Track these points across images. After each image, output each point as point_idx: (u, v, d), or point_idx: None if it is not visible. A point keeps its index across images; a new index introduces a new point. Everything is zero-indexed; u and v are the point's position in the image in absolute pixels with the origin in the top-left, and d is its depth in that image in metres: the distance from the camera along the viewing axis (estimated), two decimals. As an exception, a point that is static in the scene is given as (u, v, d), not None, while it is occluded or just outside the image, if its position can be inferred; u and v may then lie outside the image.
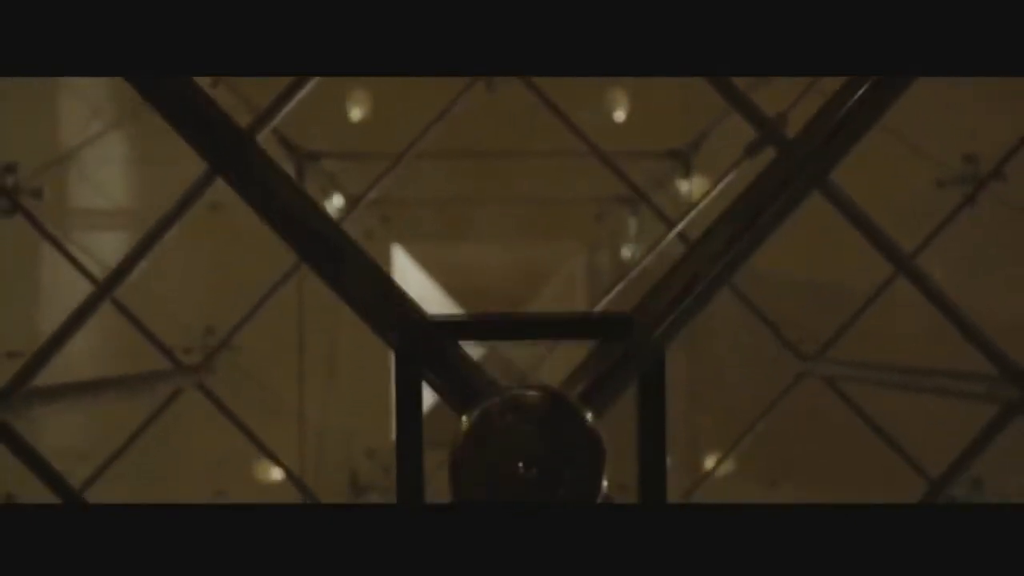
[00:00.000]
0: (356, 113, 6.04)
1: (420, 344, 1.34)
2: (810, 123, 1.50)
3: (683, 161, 5.17)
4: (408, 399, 1.34)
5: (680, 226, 3.79)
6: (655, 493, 1.32)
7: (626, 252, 6.33)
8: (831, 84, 1.78)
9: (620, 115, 6.05)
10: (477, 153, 5.93)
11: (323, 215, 1.35)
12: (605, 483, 1.35)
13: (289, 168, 5.84)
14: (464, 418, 1.34)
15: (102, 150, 6.57)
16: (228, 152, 1.32)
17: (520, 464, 1.33)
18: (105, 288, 2.49)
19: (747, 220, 1.35)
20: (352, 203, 5.51)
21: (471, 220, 7.02)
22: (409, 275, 7.22)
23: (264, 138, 5.83)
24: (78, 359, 3.39)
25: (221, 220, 6.96)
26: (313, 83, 2.31)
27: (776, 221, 1.35)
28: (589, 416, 1.33)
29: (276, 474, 4.98)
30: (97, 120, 6.94)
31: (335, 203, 6.48)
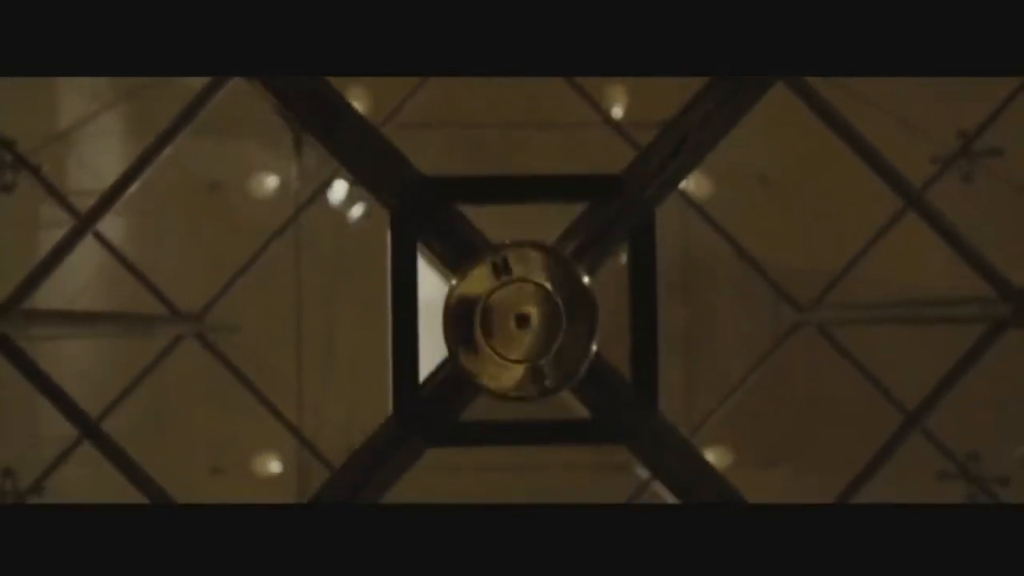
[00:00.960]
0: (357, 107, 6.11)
1: (417, 203, 1.37)
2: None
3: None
4: (404, 260, 1.37)
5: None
6: (647, 352, 1.35)
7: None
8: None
9: (618, 112, 6.13)
10: (476, 125, 5.97)
11: (323, 81, 1.38)
12: (595, 347, 1.38)
13: (287, 138, 5.88)
14: (455, 279, 1.36)
15: (98, 126, 6.62)
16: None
17: (511, 320, 1.35)
18: (91, 216, 2.52)
19: (728, 93, 1.39)
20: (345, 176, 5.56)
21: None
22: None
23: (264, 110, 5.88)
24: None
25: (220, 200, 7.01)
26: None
27: (756, 94, 1.39)
28: (583, 274, 1.36)
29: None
30: (95, 100, 6.99)
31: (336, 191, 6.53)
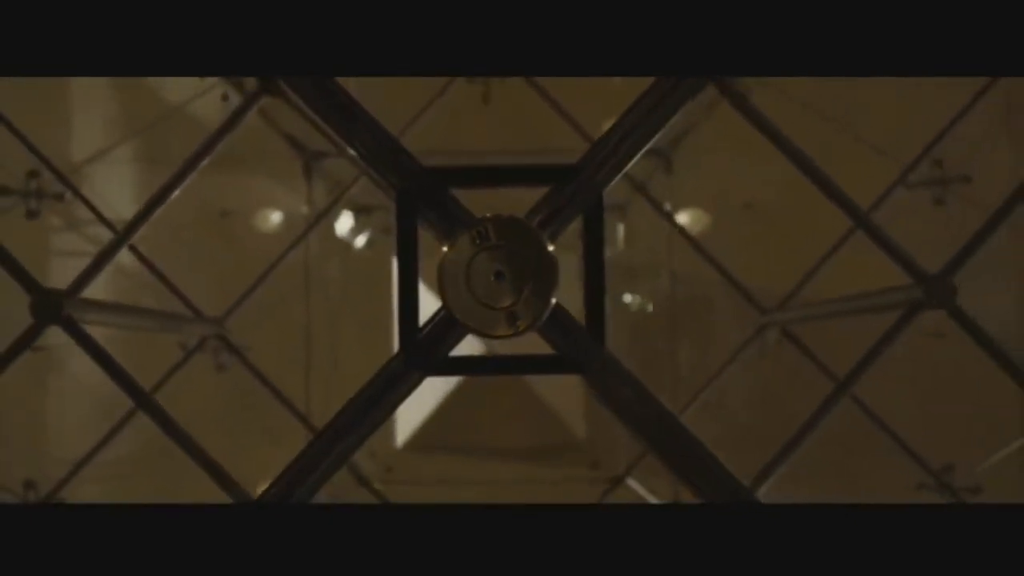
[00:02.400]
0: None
1: (417, 187, 1.76)
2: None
3: (664, 158, 5.63)
4: (407, 230, 1.76)
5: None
6: (596, 302, 1.73)
7: (616, 249, 6.76)
8: None
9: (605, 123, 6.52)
10: (472, 154, 6.37)
11: (338, 85, 1.78)
12: (554, 300, 1.77)
13: (297, 166, 6.27)
14: (446, 245, 1.76)
15: (111, 158, 7.01)
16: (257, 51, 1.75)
17: (491, 276, 1.75)
18: (128, 229, 2.88)
19: (670, 87, 1.78)
20: (353, 208, 5.98)
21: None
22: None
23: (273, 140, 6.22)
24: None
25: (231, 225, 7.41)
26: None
27: (698, 85, 1.78)
28: (547, 241, 1.76)
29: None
30: (111, 128, 7.40)
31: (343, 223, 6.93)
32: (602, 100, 6.85)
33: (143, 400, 2.47)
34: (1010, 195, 2.71)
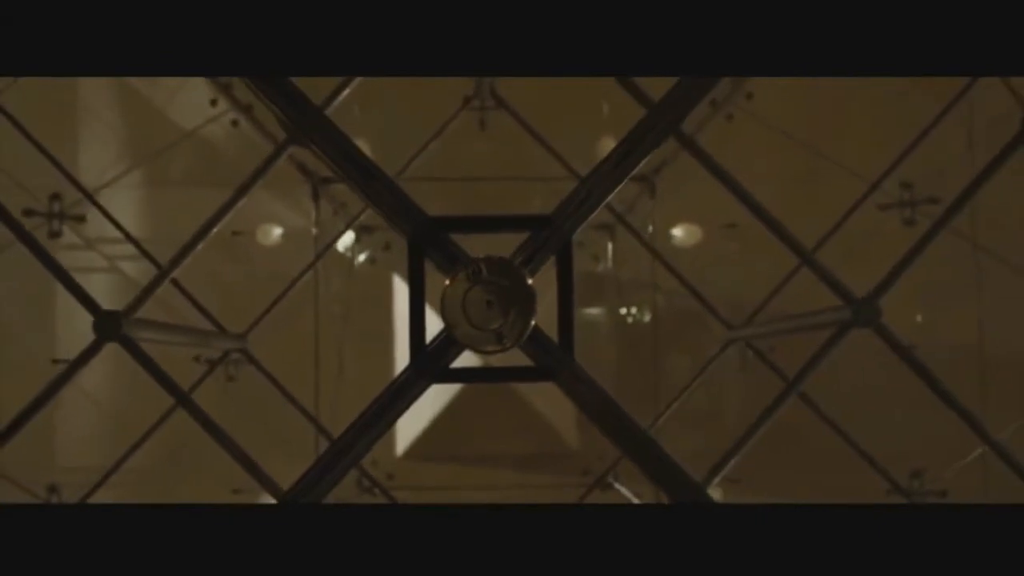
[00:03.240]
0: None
1: (423, 233, 2.25)
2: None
3: (649, 184, 6.11)
4: (416, 272, 2.24)
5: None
6: (567, 324, 2.21)
7: (604, 269, 7.22)
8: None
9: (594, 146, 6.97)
10: (470, 180, 6.85)
11: (361, 154, 2.26)
12: (534, 321, 2.25)
13: (305, 190, 6.72)
14: (448, 280, 2.24)
15: (130, 179, 7.47)
16: (307, 119, 2.23)
17: (483, 304, 2.23)
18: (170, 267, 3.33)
19: (622, 155, 2.26)
20: (349, 220, 6.45)
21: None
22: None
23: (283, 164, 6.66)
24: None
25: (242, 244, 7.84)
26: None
27: (644, 154, 2.26)
28: (527, 276, 2.24)
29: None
30: (126, 153, 7.85)
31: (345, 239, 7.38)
32: (591, 125, 7.33)
33: (187, 402, 2.94)
34: (930, 227, 3.19)
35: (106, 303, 3.54)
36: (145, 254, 4.63)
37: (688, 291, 4.74)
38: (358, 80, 3.11)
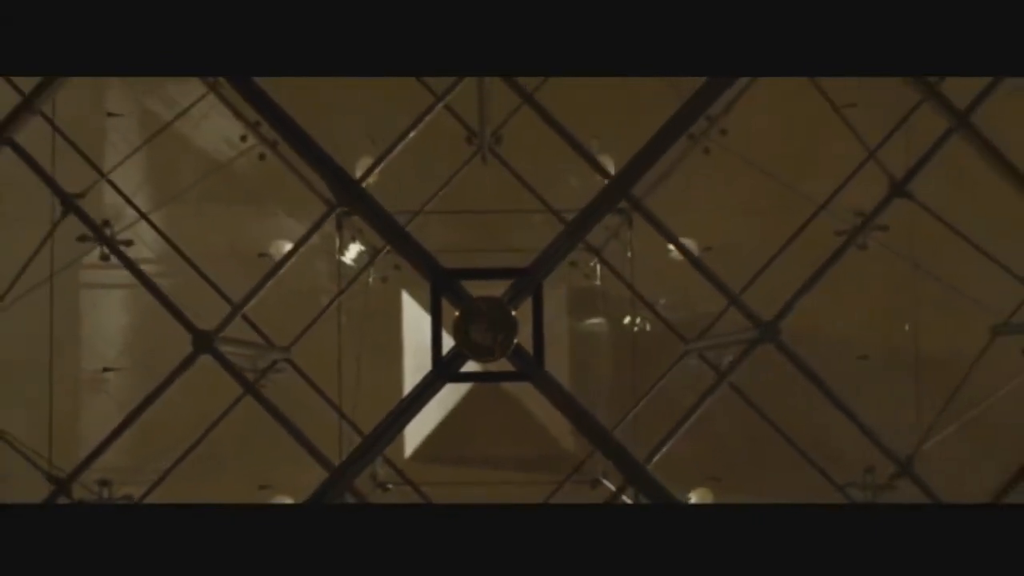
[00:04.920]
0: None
1: (439, 279, 3.38)
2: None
3: (627, 217, 7.22)
4: (436, 307, 3.37)
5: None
6: (539, 345, 3.34)
7: (591, 284, 8.31)
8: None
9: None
10: (474, 212, 7.89)
11: (395, 222, 3.38)
12: (516, 340, 3.37)
13: (330, 221, 7.77)
14: (457, 311, 3.37)
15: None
16: (351, 193, 3.36)
17: (483, 328, 3.35)
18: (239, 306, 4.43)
19: (585, 216, 3.39)
20: (373, 253, 7.49)
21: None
22: (413, 310, 9.10)
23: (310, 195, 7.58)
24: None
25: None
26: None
27: (608, 210, 3.37)
28: (511, 309, 3.36)
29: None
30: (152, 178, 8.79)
31: (351, 251, 8.35)
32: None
33: (256, 393, 4.06)
34: (832, 253, 4.28)
35: (129, 316, 4.50)
36: (204, 277, 5.71)
37: (679, 306, 5.82)
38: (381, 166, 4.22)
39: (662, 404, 7.37)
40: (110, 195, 8.08)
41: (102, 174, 7.01)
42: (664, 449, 4.02)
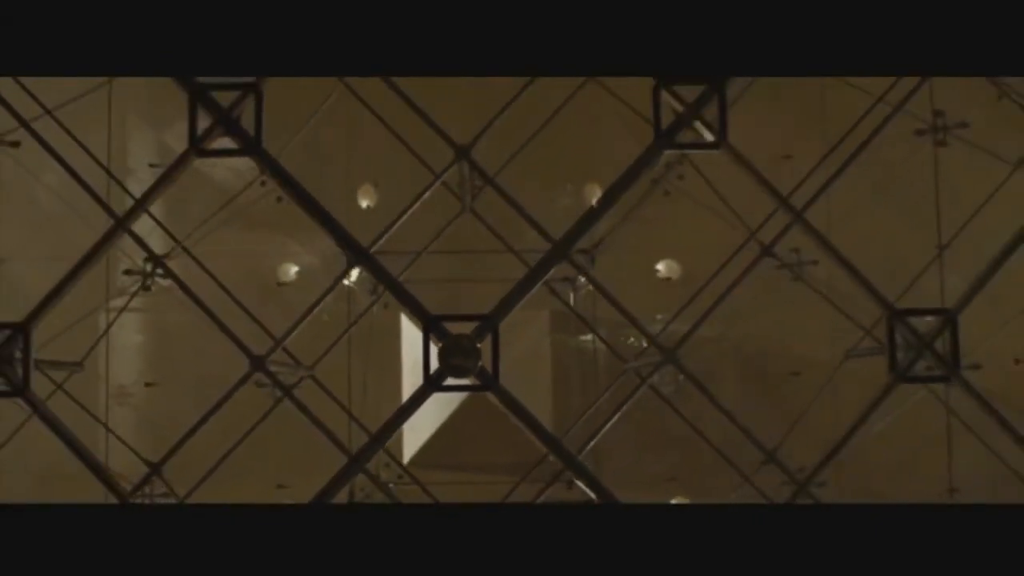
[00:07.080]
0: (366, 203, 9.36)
1: (431, 323, 5.10)
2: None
3: (591, 256, 8.82)
4: (427, 341, 5.10)
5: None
6: (495, 368, 5.07)
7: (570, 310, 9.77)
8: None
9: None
10: (466, 247, 9.26)
11: (398, 281, 5.08)
12: (480, 363, 5.09)
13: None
14: (441, 344, 5.09)
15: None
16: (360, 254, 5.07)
17: (458, 354, 5.06)
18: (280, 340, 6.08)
19: (533, 274, 5.09)
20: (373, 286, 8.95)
21: (459, 295, 9.33)
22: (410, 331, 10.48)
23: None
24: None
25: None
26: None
27: (551, 267, 5.06)
28: (478, 346, 5.08)
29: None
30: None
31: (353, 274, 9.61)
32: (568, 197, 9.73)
33: (291, 398, 5.75)
34: (725, 288, 5.94)
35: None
36: (245, 310, 7.26)
37: (596, 336, 7.49)
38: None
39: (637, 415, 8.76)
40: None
41: (152, 216, 8.32)
42: (590, 444, 5.67)
